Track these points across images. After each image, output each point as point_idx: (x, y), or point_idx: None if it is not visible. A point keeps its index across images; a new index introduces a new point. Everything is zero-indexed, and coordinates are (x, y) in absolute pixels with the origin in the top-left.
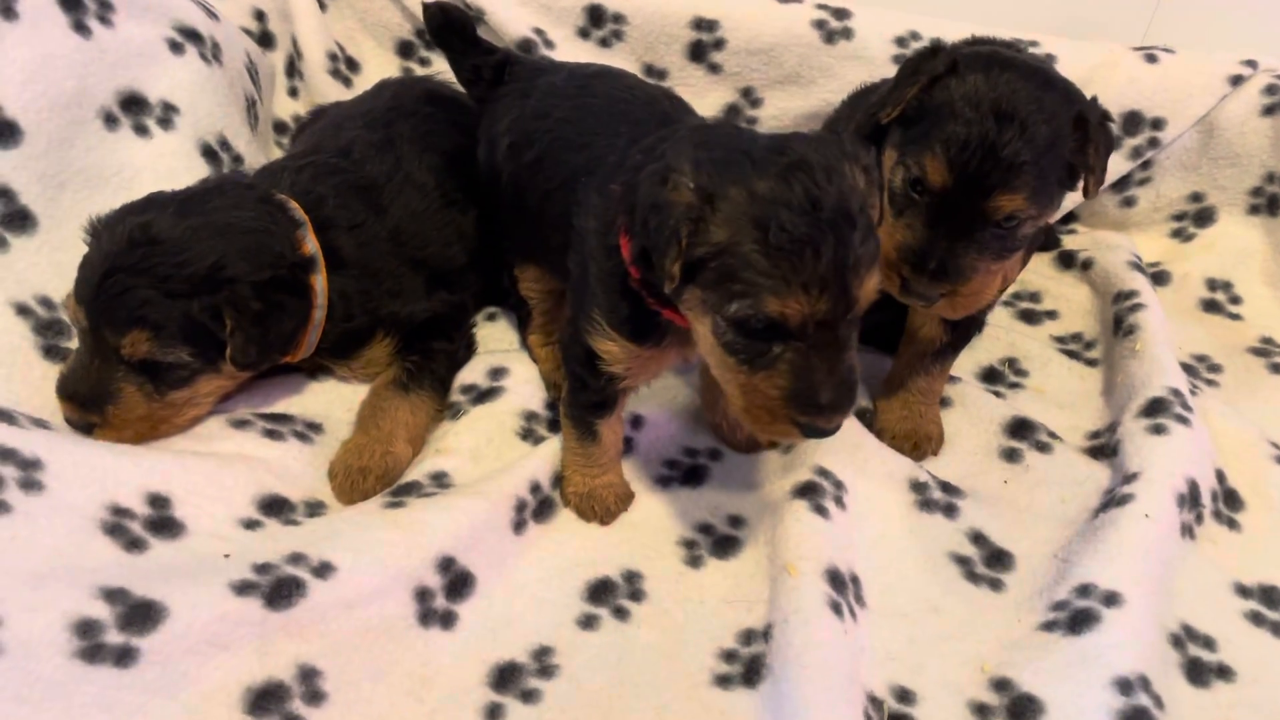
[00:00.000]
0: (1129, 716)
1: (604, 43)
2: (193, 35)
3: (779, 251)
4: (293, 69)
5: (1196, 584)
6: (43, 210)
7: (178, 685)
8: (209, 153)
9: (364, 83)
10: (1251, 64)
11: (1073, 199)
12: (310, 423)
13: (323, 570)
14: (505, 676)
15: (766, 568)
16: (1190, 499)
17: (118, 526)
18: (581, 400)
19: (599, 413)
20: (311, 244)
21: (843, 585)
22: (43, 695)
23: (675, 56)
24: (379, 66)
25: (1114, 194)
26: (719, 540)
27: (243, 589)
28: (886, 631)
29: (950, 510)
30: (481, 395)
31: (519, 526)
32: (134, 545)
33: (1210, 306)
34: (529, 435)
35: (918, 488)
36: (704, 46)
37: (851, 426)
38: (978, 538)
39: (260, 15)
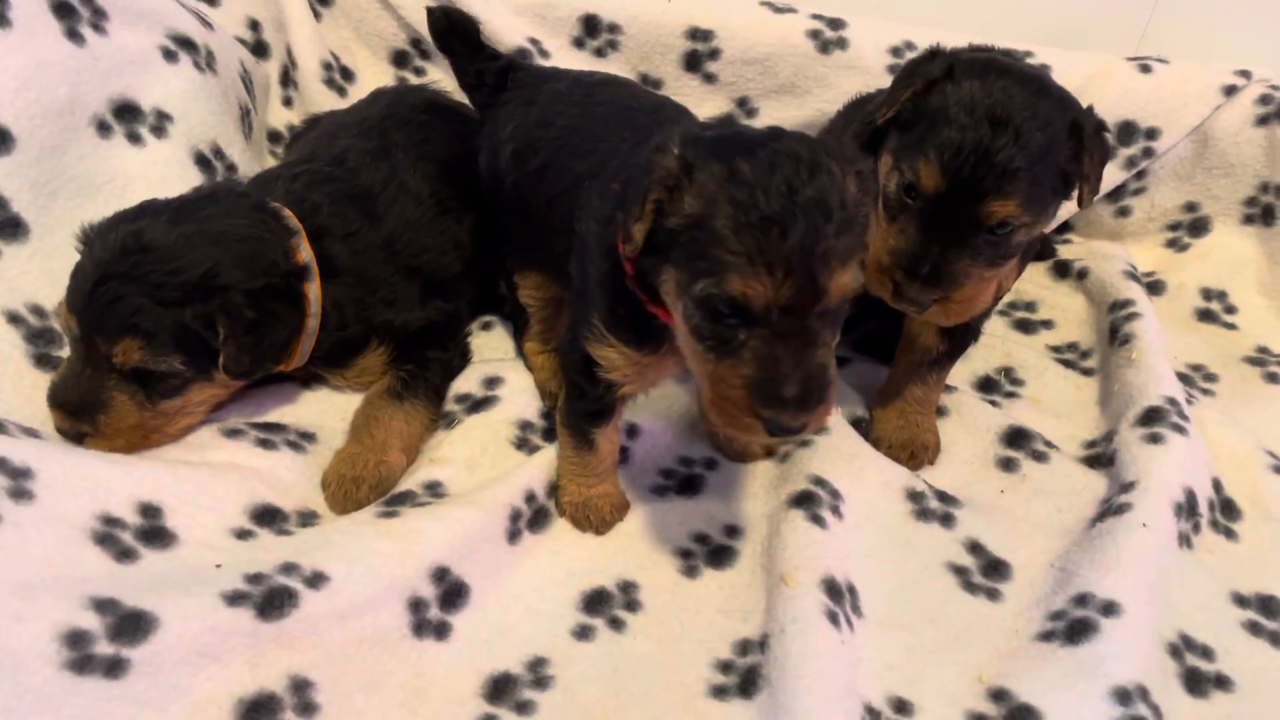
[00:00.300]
0: None
1: (599, 52)
2: (187, 44)
3: (747, 228)
4: (287, 78)
5: (1194, 594)
6: (34, 218)
7: (168, 697)
8: (202, 161)
9: (358, 92)
10: (1245, 74)
11: (1068, 208)
12: (303, 432)
13: (315, 580)
14: (500, 688)
15: (763, 578)
16: (1187, 508)
17: (108, 536)
18: (579, 408)
19: (596, 421)
20: (305, 252)
21: (840, 595)
22: (31, 707)
23: (670, 66)
24: (374, 76)
25: (1109, 204)
26: (715, 550)
27: (234, 599)
28: (883, 642)
29: (947, 520)
30: (476, 404)
31: (514, 536)
32: (125, 555)
33: (1205, 316)
34: (524, 445)
35: (914, 497)
36: (699, 56)
37: (847, 435)
38: (975, 547)
39: (255, 25)
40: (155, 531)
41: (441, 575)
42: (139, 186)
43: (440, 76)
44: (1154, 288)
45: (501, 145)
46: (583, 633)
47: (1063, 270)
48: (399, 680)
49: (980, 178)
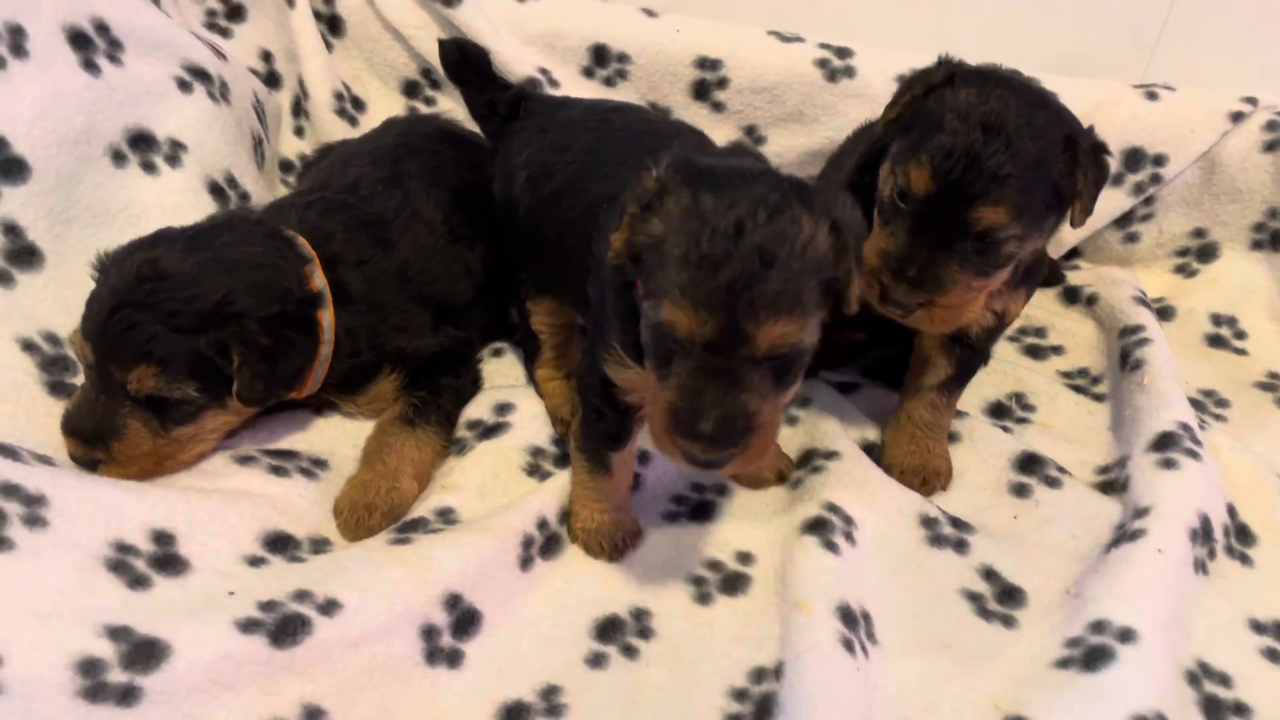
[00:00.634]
0: None
1: (608, 82)
2: (201, 74)
3: (685, 261)
4: (299, 108)
5: (1210, 620)
6: (49, 246)
7: None
8: (216, 190)
9: (370, 122)
10: (1252, 101)
11: (1072, 233)
12: (316, 459)
13: (328, 608)
14: (513, 716)
15: (776, 604)
16: (1202, 534)
17: (122, 563)
18: (596, 431)
19: (613, 445)
20: (319, 279)
21: (854, 622)
22: None
23: (679, 95)
24: (385, 106)
25: (1117, 230)
26: (728, 577)
27: (247, 627)
28: (898, 669)
29: (961, 546)
30: (488, 431)
31: (526, 563)
32: (138, 582)
33: (1215, 341)
34: (535, 471)
35: (928, 523)
36: (707, 85)
37: (859, 461)
38: (989, 574)
39: (267, 56)
40: (168, 559)
41: (454, 602)
42: (153, 215)
43: (451, 106)
44: (1163, 313)
45: (516, 171)
46: (596, 660)
47: (1072, 296)
48: (412, 708)
49: (969, 182)
